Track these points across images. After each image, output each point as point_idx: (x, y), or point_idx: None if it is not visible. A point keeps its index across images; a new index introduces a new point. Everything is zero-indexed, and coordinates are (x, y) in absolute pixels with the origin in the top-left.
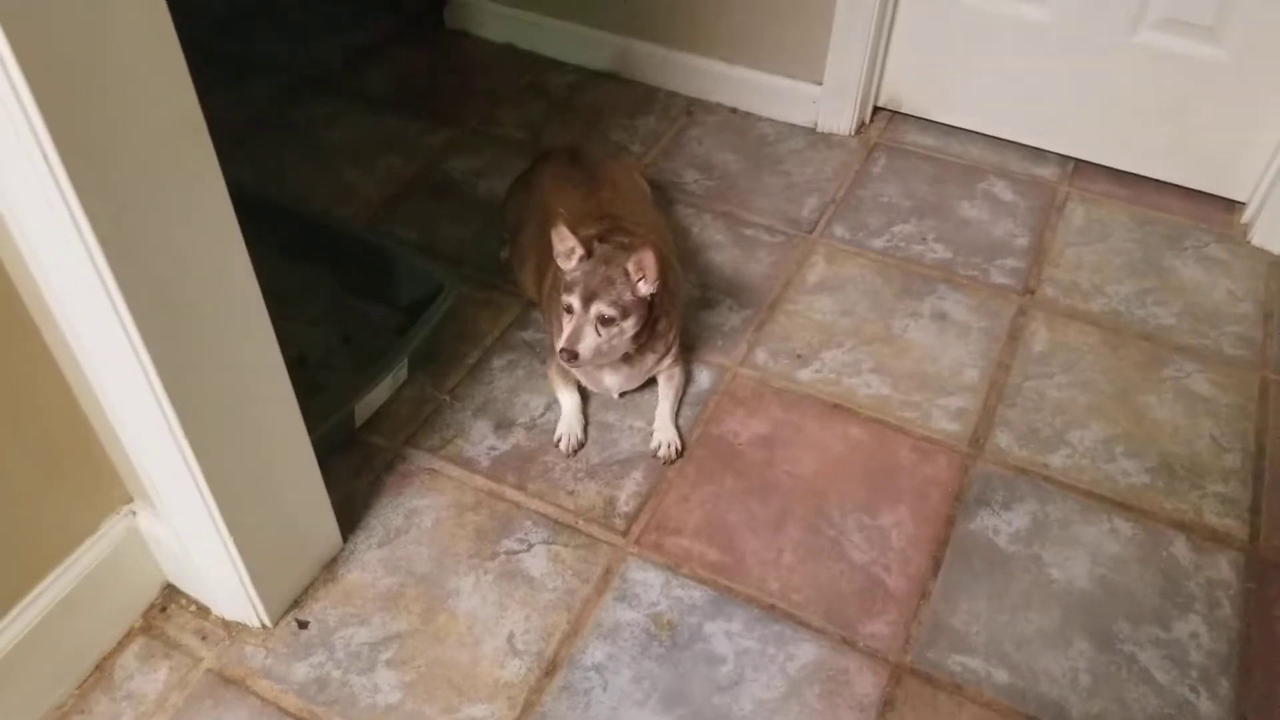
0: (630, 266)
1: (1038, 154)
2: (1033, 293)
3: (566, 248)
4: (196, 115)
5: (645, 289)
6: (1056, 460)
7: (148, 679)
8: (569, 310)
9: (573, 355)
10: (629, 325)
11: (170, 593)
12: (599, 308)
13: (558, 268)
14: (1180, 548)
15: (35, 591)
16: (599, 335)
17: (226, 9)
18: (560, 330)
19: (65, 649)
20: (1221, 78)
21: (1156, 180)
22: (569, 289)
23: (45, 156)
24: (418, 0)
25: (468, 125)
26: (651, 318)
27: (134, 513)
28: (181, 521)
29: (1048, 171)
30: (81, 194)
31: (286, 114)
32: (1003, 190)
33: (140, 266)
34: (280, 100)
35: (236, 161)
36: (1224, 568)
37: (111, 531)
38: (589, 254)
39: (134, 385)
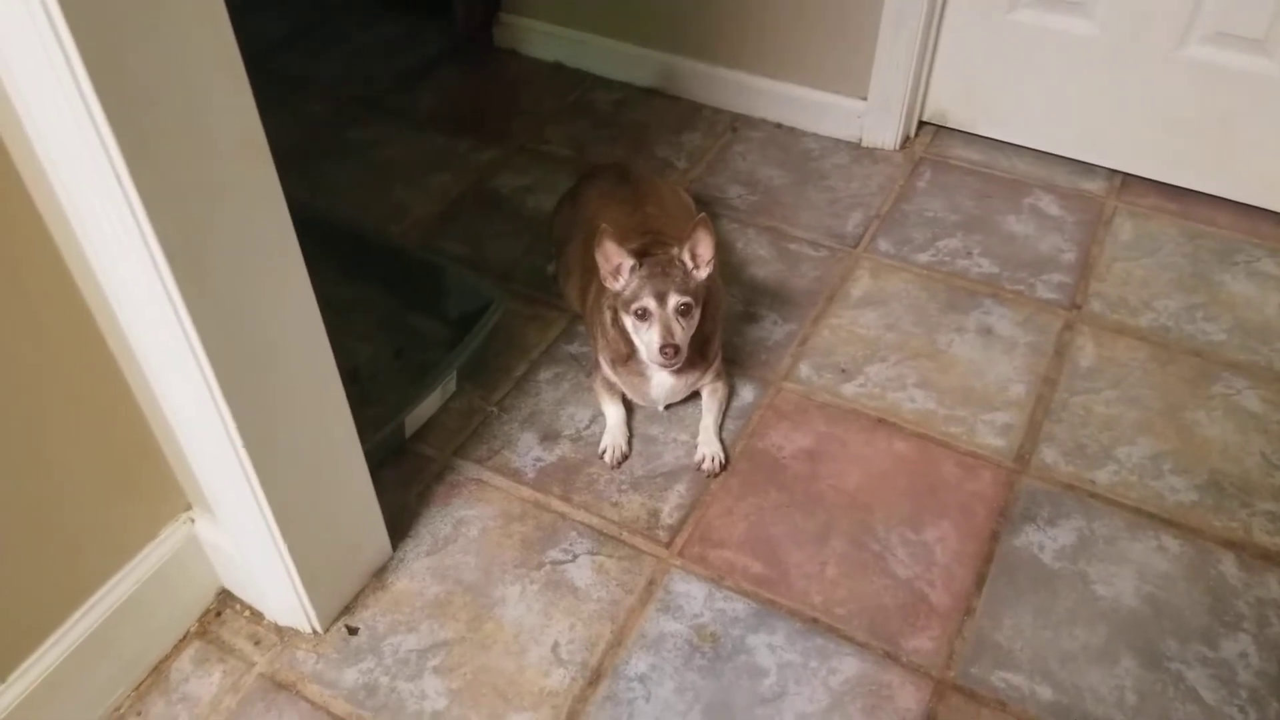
0: (685, 255)
1: (1085, 168)
2: (1080, 308)
3: (613, 265)
4: (259, 136)
5: (701, 273)
6: (1103, 476)
7: (202, 682)
8: (644, 315)
9: (675, 349)
10: (697, 313)
11: (225, 598)
12: (675, 299)
13: (601, 284)
14: (1229, 566)
15: (97, 595)
16: (682, 327)
17: (281, 31)
18: (641, 337)
19: (124, 652)
20: (1272, 90)
21: (1206, 194)
22: (636, 295)
23: (119, 179)
24: (469, 20)
25: (516, 143)
26: (701, 330)
27: (192, 520)
28: (238, 529)
29: (1095, 186)
30: (151, 211)
31: (340, 134)
32: (1049, 204)
33: (205, 281)
34: (334, 120)
35: (291, 180)
36: (1274, 587)
37: (171, 538)
38: (640, 264)
39: (196, 396)
